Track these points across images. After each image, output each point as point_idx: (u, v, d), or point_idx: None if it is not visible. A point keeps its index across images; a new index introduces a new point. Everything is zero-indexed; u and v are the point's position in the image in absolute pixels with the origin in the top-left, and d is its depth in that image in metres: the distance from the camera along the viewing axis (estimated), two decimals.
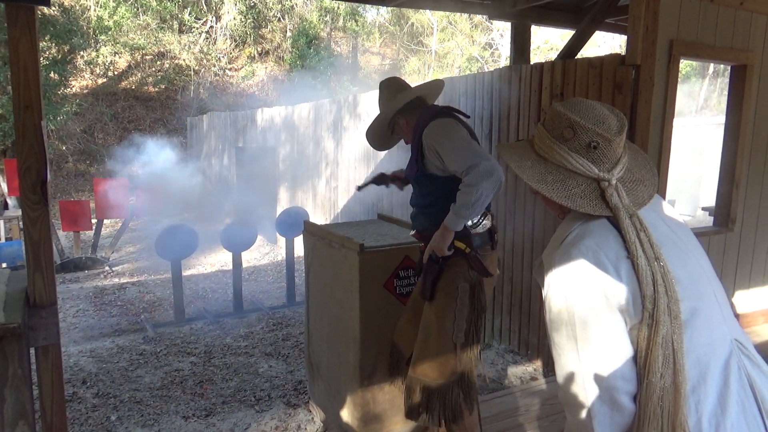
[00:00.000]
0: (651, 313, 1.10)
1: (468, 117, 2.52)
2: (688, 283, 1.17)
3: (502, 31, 17.66)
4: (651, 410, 1.09)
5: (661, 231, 1.23)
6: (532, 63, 4.36)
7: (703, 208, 7.50)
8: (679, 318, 1.11)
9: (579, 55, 4.26)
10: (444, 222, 2.23)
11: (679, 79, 3.62)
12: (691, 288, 1.17)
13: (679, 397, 1.09)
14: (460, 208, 2.18)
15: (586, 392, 1.13)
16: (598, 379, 1.12)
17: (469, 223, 2.14)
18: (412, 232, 2.57)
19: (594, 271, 1.13)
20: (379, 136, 2.70)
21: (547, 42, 17.45)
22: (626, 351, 1.12)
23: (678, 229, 1.29)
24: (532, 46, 16.57)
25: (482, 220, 2.09)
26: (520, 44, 4.95)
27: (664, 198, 3.64)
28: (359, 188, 2.94)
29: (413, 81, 2.85)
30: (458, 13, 17.21)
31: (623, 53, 3.45)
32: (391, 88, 2.59)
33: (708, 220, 4.79)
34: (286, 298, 6.12)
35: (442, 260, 2.34)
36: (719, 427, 1.11)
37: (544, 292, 1.25)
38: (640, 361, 1.11)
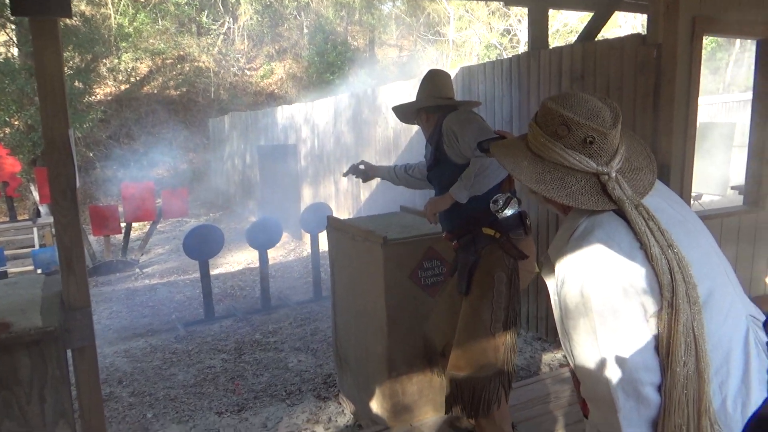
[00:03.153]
0: (670, 302, 1.07)
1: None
2: (700, 264, 1.14)
3: (520, 16, 17.40)
4: (676, 399, 1.06)
5: (668, 214, 1.20)
6: (550, 47, 4.30)
7: (733, 187, 7.30)
8: (698, 303, 1.08)
9: (599, 37, 4.19)
10: (450, 189, 2.35)
11: (703, 56, 3.53)
12: (704, 269, 1.15)
13: (702, 383, 1.07)
14: (464, 177, 2.31)
15: (609, 386, 1.10)
16: (620, 371, 1.09)
17: (494, 207, 2.13)
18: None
19: (608, 261, 1.11)
20: (404, 114, 2.78)
21: (567, 25, 17.14)
22: (647, 341, 1.09)
23: (682, 210, 1.27)
24: (551, 30, 16.30)
25: (507, 204, 2.08)
26: (538, 29, 4.87)
27: (691, 180, 3.57)
28: (344, 175, 3.13)
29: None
30: (474, 1, 17.05)
31: (644, 33, 3.38)
32: (433, 84, 2.61)
33: (738, 200, 4.67)
34: (312, 293, 6.17)
35: (476, 251, 2.34)
36: (745, 407, 1.09)
37: (555, 289, 1.22)
38: (662, 351, 1.08)
